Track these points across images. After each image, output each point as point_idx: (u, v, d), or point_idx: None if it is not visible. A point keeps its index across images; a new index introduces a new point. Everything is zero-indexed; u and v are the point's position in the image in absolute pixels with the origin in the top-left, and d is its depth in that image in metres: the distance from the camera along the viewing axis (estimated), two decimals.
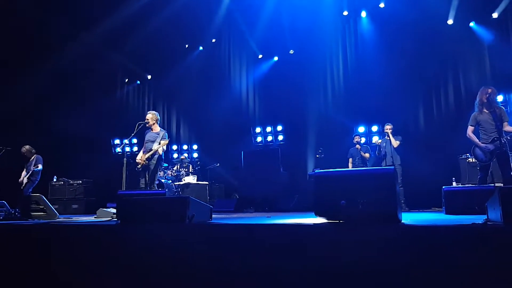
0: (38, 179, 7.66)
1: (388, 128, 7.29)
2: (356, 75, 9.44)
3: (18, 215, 4.56)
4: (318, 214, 2.48)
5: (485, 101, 4.96)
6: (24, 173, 7.59)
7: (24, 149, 7.65)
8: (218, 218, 3.98)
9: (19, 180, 7.47)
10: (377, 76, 8.78)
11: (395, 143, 7.11)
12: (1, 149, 7.68)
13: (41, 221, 4.28)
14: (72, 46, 9.81)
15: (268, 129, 10.68)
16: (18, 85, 9.56)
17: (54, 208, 5.60)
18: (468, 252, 1.99)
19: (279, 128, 10.57)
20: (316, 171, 2.62)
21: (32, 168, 7.33)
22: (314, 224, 2.33)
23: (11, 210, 5.02)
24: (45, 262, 3.01)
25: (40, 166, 7.46)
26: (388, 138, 7.16)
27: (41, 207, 4.62)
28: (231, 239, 2.51)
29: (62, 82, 10.45)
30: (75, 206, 9.38)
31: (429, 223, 2.38)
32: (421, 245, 2.05)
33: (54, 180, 9.69)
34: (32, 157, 7.66)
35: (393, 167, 2.51)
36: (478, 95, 5.10)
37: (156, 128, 6.04)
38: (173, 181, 9.29)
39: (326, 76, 10.03)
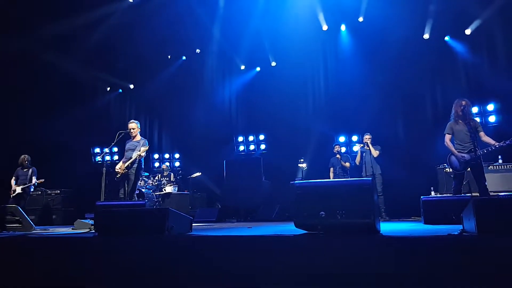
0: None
1: (367, 138, 7.43)
2: (337, 86, 9.62)
3: None
4: (298, 225, 2.49)
5: (460, 113, 5.12)
6: (13, 181, 7.42)
7: (25, 158, 7.51)
8: (199, 229, 3.94)
9: (12, 189, 7.29)
10: (357, 87, 8.99)
11: (375, 152, 7.25)
12: None
13: (16, 233, 4.13)
14: (54, 54, 9.63)
15: (251, 138, 10.71)
16: None
17: (31, 219, 5.43)
18: (444, 262, 2.03)
19: (261, 137, 10.62)
20: (296, 181, 2.63)
21: (31, 181, 7.25)
22: (293, 235, 2.34)
23: None
24: (19, 274, 2.90)
25: (34, 179, 7.39)
26: (367, 148, 7.30)
27: (16, 218, 4.46)
28: (210, 251, 2.49)
29: (42, 89, 10.21)
30: (53, 216, 9.11)
31: (407, 234, 2.42)
32: (399, 256, 2.09)
33: (31, 189, 9.42)
34: (28, 169, 7.52)
35: (370, 178, 2.55)
36: (453, 107, 5.26)
37: (137, 137, 5.98)
38: (153, 191, 9.15)
39: (307, 87, 10.18)
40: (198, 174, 9.64)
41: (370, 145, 7.28)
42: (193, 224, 3.31)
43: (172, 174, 9.91)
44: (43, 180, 7.70)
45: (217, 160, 10.12)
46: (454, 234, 2.31)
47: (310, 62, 9.98)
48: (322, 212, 2.34)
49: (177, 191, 8.25)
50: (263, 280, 2.23)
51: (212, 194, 9.98)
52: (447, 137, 5.19)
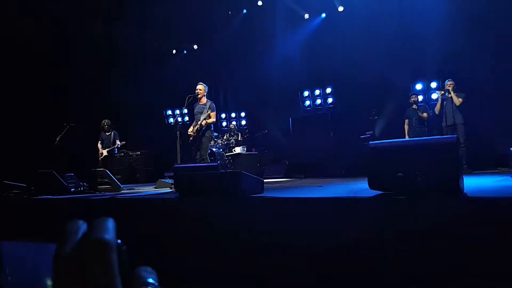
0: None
1: (449, 84, 6.72)
2: (413, 26, 8.65)
3: (87, 189, 4.98)
4: (373, 187, 2.40)
5: None
6: (100, 145, 8.28)
7: (105, 123, 8.28)
8: (269, 188, 4.04)
9: (99, 152, 8.18)
10: (437, 25, 8.00)
11: (458, 100, 6.55)
12: (65, 125, 8.34)
13: (107, 193, 4.64)
14: (122, 18, 10.07)
15: (317, 92, 10.39)
16: (70, 58, 10.11)
17: (117, 178, 6.07)
18: None
19: (328, 90, 10.24)
20: (367, 136, 2.51)
21: (115, 144, 8.02)
22: (369, 197, 2.27)
23: (80, 184, 5.51)
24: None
25: (118, 142, 8.16)
26: (449, 95, 6.62)
27: (106, 180, 4.99)
28: (284, 213, 2.55)
29: (114, 54, 10.85)
30: (137, 175, 10.08)
31: (494, 194, 2.21)
32: (485, 219, 1.92)
33: (116, 152, 10.41)
34: (110, 132, 8.31)
35: (455, 136, 2.32)
36: None
37: (203, 100, 6.15)
38: (223, 150, 9.53)
39: (379, 30, 9.29)
40: (264, 132, 9.76)
41: (452, 93, 6.58)
42: (261, 179, 3.38)
43: (239, 133, 10.18)
44: (124, 142, 8.40)
45: (283, 116, 10.09)
46: None
47: (381, 2, 9.07)
48: (400, 173, 2.22)
49: (246, 151, 8.46)
50: (337, 240, 2.23)
51: (279, 151, 10.08)
52: None
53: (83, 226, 0.41)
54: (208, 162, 6.04)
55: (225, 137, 10.04)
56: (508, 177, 3.89)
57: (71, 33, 9.79)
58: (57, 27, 9.43)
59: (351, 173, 6.90)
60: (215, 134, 9.72)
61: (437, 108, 6.95)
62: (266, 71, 10.54)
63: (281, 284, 2.35)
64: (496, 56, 7.68)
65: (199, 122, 5.95)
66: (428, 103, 8.26)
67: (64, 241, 0.38)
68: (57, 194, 4.44)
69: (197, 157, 6.06)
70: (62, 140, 8.13)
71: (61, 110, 9.60)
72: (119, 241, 0.40)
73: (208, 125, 6.03)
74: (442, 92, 6.84)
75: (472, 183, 3.36)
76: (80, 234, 0.40)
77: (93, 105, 10.28)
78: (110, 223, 0.40)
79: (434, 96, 8.22)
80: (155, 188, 5.76)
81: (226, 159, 9.22)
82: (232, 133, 10.15)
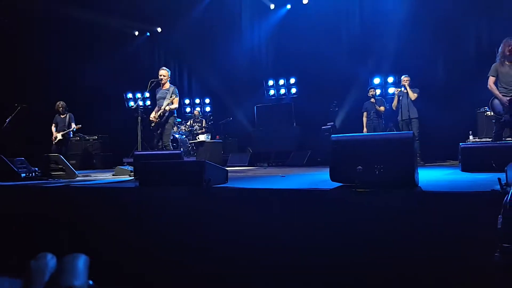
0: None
1: (405, 80, 7.06)
2: (373, 23, 8.98)
3: (39, 175, 4.71)
4: (335, 179, 2.48)
5: (508, 53, 4.71)
6: (54, 128, 7.80)
7: (60, 105, 7.80)
8: (233, 177, 4.04)
9: (53, 136, 7.71)
10: (395, 23, 8.35)
11: (413, 95, 6.90)
12: (16, 106, 7.81)
13: (61, 180, 4.41)
14: (77, 8, 9.52)
15: (281, 82, 10.48)
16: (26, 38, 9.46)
17: (72, 164, 5.78)
18: (485, 219, 1.98)
19: (292, 80, 10.35)
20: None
21: (70, 127, 7.58)
22: (330, 189, 2.34)
23: (31, 169, 5.19)
24: (67, 223, 3.15)
25: (73, 125, 7.72)
26: (405, 90, 6.95)
27: (60, 166, 4.74)
28: (247, 203, 2.57)
29: (73, 35, 10.25)
30: (94, 161, 9.64)
31: (447, 189, 2.36)
32: (439, 212, 2.05)
33: (71, 135, 9.90)
34: (65, 114, 7.84)
35: (412, 132, 2.44)
36: (501, 46, 4.83)
37: (166, 85, 5.99)
38: (186, 136, 9.38)
39: (341, 25, 9.58)
40: (229, 119, 9.72)
41: (408, 88, 6.91)
42: (226, 169, 3.38)
43: (203, 120, 10.05)
44: (80, 126, 8.01)
45: (248, 104, 10.09)
46: (497, 190, 2.22)
47: None
48: (360, 167, 2.30)
49: (210, 139, 8.39)
50: (298, 233, 2.29)
51: (243, 139, 10.10)
52: (491, 80, 4.84)
53: (51, 262, 0.37)
54: (171, 150, 5.93)
55: (188, 123, 9.88)
56: (457, 170, 4.17)
57: (29, 12, 9.10)
58: (16, 6, 8.75)
59: (313, 163, 7.08)
60: (178, 120, 9.54)
61: (394, 104, 7.29)
62: (232, 58, 10.44)
63: (241, 278, 2.38)
64: (449, 53, 8.15)
65: (162, 108, 5.79)
66: (385, 97, 8.63)
67: (29, 283, 0.34)
68: (6, 180, 4.16)
69: (159, 144, 5.92)
70: (12, 122, 7.60)
71: (13, 90, 8.96)
72: (90, 282, 0.36)
73: (171, 111, 5.89)
74: (399, 89, 7.16)
75: (425, 175, 3.56)
76: (47, 274, 0.35)
77: (48, 85, 9.68)
78: (81, 263, 0.36)
79: (391, 90, 8.59)
80: (113, 175, 5.57)
81: (189, 146, 9.09)
82: (196, 120, 10.01)
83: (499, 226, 1.64)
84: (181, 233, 2.66)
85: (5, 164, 4.33)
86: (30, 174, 4.78)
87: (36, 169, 4.94)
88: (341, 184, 2.47)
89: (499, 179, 2.07)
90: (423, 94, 7.13)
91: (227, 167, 7.30)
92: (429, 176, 3.53)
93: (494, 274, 1.48)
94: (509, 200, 1.74)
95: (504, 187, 2.23)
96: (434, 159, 6.80)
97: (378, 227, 2.07)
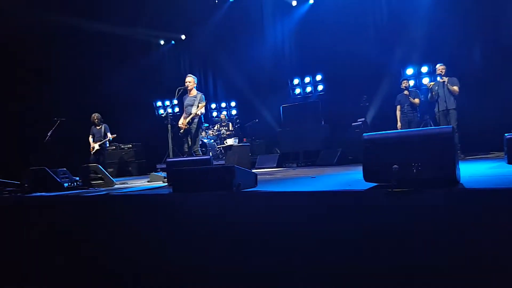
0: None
1: (441, 69, 6.68)
2: (401, 10, 8.64)
3: (80, 184, 4.92)
4: (369, 179, 2.41)
5: None
6: (91, 139, 8.18)
7: (95, 117, 8.17)
8: (262, 180, 4.03)
9: (91, 146, 8.08)
10: (425, 8, 7.99)
11: (455, 89, 6.51)
12: (56, 120, 8.21)
13: (101, 189, 4.59)
14: (110, 11, 9.87)
15: (307, 79, 10.36)
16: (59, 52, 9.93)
17: (109, 172, 6.01)
18: None
19: (318, 77, 10.21)
20: (364, 134, 2.49)
21: (106, 138, 7.94)
22: (364, 190, 2.28)
23: (73, 179, 5.44)
24: (108, 230, 3.27)
25: (109, 135, 8.07)
26: (441, 80, 6.59)
27: (99, 175, 4.94)
28: (278, 207, 2.54)
29: (103, 48, 10.66)
30: (129, 168, 10.00)
31: (491, 185, 2.22)
32: (484, 212, 1.93)
33: (107, 145, 10.30)
34: (100, 126, 8.19)
35: (451, 126, 2.32)
36: None
37: (194, 92, 6.10)
38: (214, 141, 9.49)
39: (367, 15, 9.26)
40: (255, 121, 9.74)
41: (448, 85, 6.51)
42: (254, 171, 3.38)
43: (230, 123, 10.12)
44: (115, 135, 8.31)
45: (273, 105, 10.05)
46: None
47: None
48: (395, 166, 2.21)
49: (238, 142, 8.45)
50: (332, 235, 2.24)
51: (270, 141, 10.08)
52: None
53: None
54: (201, 155, 6.02)
55: (215, 128, 9.99)
56: (502, 163, 3.93)
57: (61, 27, 9.56)
58: (49, 21, 9.22)
59: (344, 161, 6.94)
60: (206, 125, 9.67)
61: (429, 96, 6.94)
62: (255, 59, 10.45)
63: (273, 282, 2.36)
64: (486, 38, 7.71)
65: (191, 115, 5.91)
66: (420, 88, 8.29)
67: None
68: (51, 190, 4.38)
69: (186, 150, 6.05)
70: (53, 135, 8.01)
71: (51, 105, 9.45)
72: None
73: (198, 117, 6.00)
74: (432, 83, 6.85)
75: (467, 170, 3.37)
76: None
77: (83, 99, 10.11)
78: None
79: (425, 81, 8.23)
80: (148, 181, 5.72)
81: (218, 150, 9.19)
82: (222, 123, 10.10)
83: None
84: (212, 238, 2.68)
85: (49, 176, 4.56)
86: (72, 184, 5.02)
87: (77, 178, 5.18)
88: (376, 184, 2.40)
89: None
90: (461, 82, 6.78)
91: (255, 169, 7.33)
92: (471, 171, 3.34)
93: None
94: None
95: None
96: (476, 151, 6.46)
97: (417, 229, 1.99)
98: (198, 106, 5.90)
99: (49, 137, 7.95)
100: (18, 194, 4.33)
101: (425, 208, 2.00)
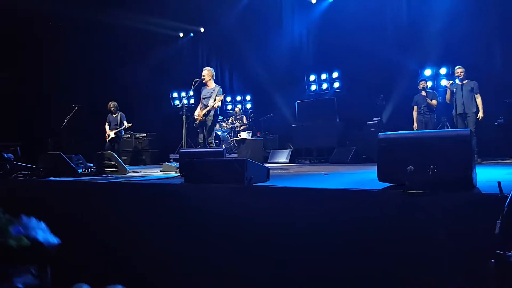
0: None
1: (459, 71, 6.55)
2: (421, 10, 8.47)
3: (94, 171, 5.01)
4: (383, 179, 2.37)
5: None
6: (107, 126, 8.31)
7: (112, 105, 8.30)
8: (274, 174, 4.02)
9: (106, 134, 8.22)
10: (445, 9, 7.82)
11: (478, 98, 6.36)
12: (73, 107, 8.37)
13: (114, 176, 4.66)
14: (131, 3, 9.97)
15: (323, 76, 10.27)
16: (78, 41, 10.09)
17: (123, 160, 6.10)
18: None
19: (335, 75, 10.11)
20: (379, 134, 2.45)
21: (122, 126, 8.01)
22: (378, 190, 2.25)
23: (87, 165, 5.54)
24: (118, 216, 3.32)
25: (125, 123, 8.17)
26: (460, 83, 6.45)
27: (112, 163, 5.01)
28: (289, 203, 2.54)
29: (123, 40, 10.79)
30: (143, 157, 10.14)
31: (509, 191, 2.17)
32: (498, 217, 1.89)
33: (122, 133, 10.46)
34: (117, 114, 8.31)
35: (469, 129, 2.27)
36: None
37: (211, 84, 6.10)
38: (228, 133, 9.51)
39: (386, 14, 9.12)
40: (270, 115, 9.72)
41: (478, 98, 6.37)
42: (266, 165, 3.38)
43: (244, 116, 10.13)
44: (131, 124, 8.41)
45: (289, 100, 10.01)
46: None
47: None
48: (411, 167, 2.18)
49: (251, 136, 8.45)
50: (341, 236, 2.22)
51: (284, 136, 10.06)
52: None
53: None
54: (214, 147, 6.05)
55: (230, 121, 10.01)
56: None
57: (80, 17, 9.72)
58: (67, 11, 9.38)
59: (358, 160, 6.87)
60: (220, 117, 9.71)
61: (447, 97, 6.82)
62: (272, 54, 10.41)
63: (280, 278, 2.36)
64: (506, 41, 7.50)
65: (208, 107, 5.93)
66: (437, 89, 8.14)
67: None
68: (65, 176, 4.47)
69: (200, 141, 6.09)
70: (70, 122, 8.17)
71: (69, 92, 9.63)
72: None
73: (215, 110, 6.03)
74: (451, 81, 6.70)
75: (484, 175, 3.30)
76: None
77: (101, 87, 10.27)
78: None
79: (444, 82, 8.07)
80: (161, 171, 5.78)
81: (231, 143, 9.21)
82: (237, 117, 10.11)
83: (496, 232, 1.54)
84: (222, 229, 2.70)
85: (64, 161, 4.65)
86: (86, 170, 5.11)
87: (92, 165, 5.27)
88: (390, 184, 2.36)
89: (499, 183, 1.89)
90: (479, 86, 6.62)
91: (268, 163, 7.33)
92: (488, 176, 3.27)
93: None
94: (507, 204, 1.63)
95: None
96: (493, 156, 6.31)
97: (430, 232, 1.95)
98: (215, 99, 5.92)
99: (66, 123, 8.11)
100: (33, 177, 4.43)
101: (439, 211, 1.96)
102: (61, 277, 2.37)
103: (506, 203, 1.64)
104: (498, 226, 1.50)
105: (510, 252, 1.46)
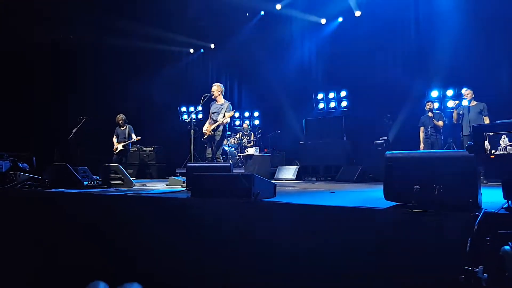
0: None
1: (467, 93, 6.58)
2: (429, 32, 8.57)
3: (100, 183, 5.03)
4: (389, 198, 2.37)
5: None
6: (115, 139, 8.39)
7: (120, 118, 8.40)
8: (281, 191, 4.02)
9: (114, 147, 8.29)
10: (453, 31, 7.89)
11: (487, 119, 6.36)
12: (81, 118, 8.49)
13: (119, 189, 4.68)
14: (139, 16, 10.23)
15: (331, 95, 10.34)
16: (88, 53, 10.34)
17: (129, 173, 6.12)
18: None
19: (343, 93, 10.18)
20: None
21: (130, 139, 8.13)
22: (384, 209, 2.24)
23: (93, 177, 5.58)
24: (122, 229, 3.33)
25: (134, 136, 8.25)
26: (468, 105, 6.46)
27: (119, 175, 5.03)
28: (295, 220, 2.53)
29: (130, 50, 11.01)
30: (150, 171, 10.16)
31: None
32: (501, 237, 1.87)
33: (130, 146, 10.54)
34: (125, 127, 8.41)
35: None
36: None
37: (221, 100, 6.17)
38: (235, 149, 9.54)
39: (395, 35, 9.24)
40: (277, 132, 9.76)
41: (485, 118, 6.39)
42: (273, 181, 3.38)
43: (252, 133, 10.18)
44: (139, 137, 8.49)
45: (296, 118, 10.07)
46: None
47: (399, 7, 8.97)
48: (417, 186, 2.18)
49: (258, 152, 8.47)
50: (346, 254, 2.21)
51: (291, 153, 10.06)
52: None
53: None
54: (221, 162, 6.07)
55: (237, 136, 10.06)
56: None
57: (89, 30, 9.99)
58: (78, 27, 9.67)
59: (364, 179, 6.83)
60: (228, 133, 9.77)
61: (454, 117, 6.82)
62: (282, 72, 10.54)
63: None
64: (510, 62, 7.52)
65: (217, 123, 5.98)
66: (444, 110, 8.15)
67: None
68: (70, 187, 4.50)
69: (208, 156, 6.11)
70: (77, 133, 8.27)
71: (77, 104, 9.80)
72: None
73: (224, 126, 6.08)
74: (457, 102, 6.74)
75: (489, 196, 3.27)
76: None
77: (109, 99, 10.45)
78: None
79: (450, 104, 8.09)
80: (167, 185, 5.80)
81: (238, 159, 9.24)
82: (245, 133, 10.17)
83: (467, 249, 1.57)
84: (228, 244, 2.69)
85: (69, 173, 4.68)
86: (92, 182, 5.14)
87: (97, 177, 5.30)
88: (396, 203, 2.36)
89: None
90: (488, 105, 6.62)
91: (274, 180, 7.31)
92: (493, 197, 3.23)
93: None
94: (477, 223, 1.71)
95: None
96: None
97: (436, 251, 1.94)
98: (224, 115, 5.97)
99: (73, 134, 8.21)
100: (38, 188, 4.45)
101: (445, 231, 1.95)
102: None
103: (476, 222, 1.69)
104: (469, 243, 1.54)
105: (477, 268, 1.51)
